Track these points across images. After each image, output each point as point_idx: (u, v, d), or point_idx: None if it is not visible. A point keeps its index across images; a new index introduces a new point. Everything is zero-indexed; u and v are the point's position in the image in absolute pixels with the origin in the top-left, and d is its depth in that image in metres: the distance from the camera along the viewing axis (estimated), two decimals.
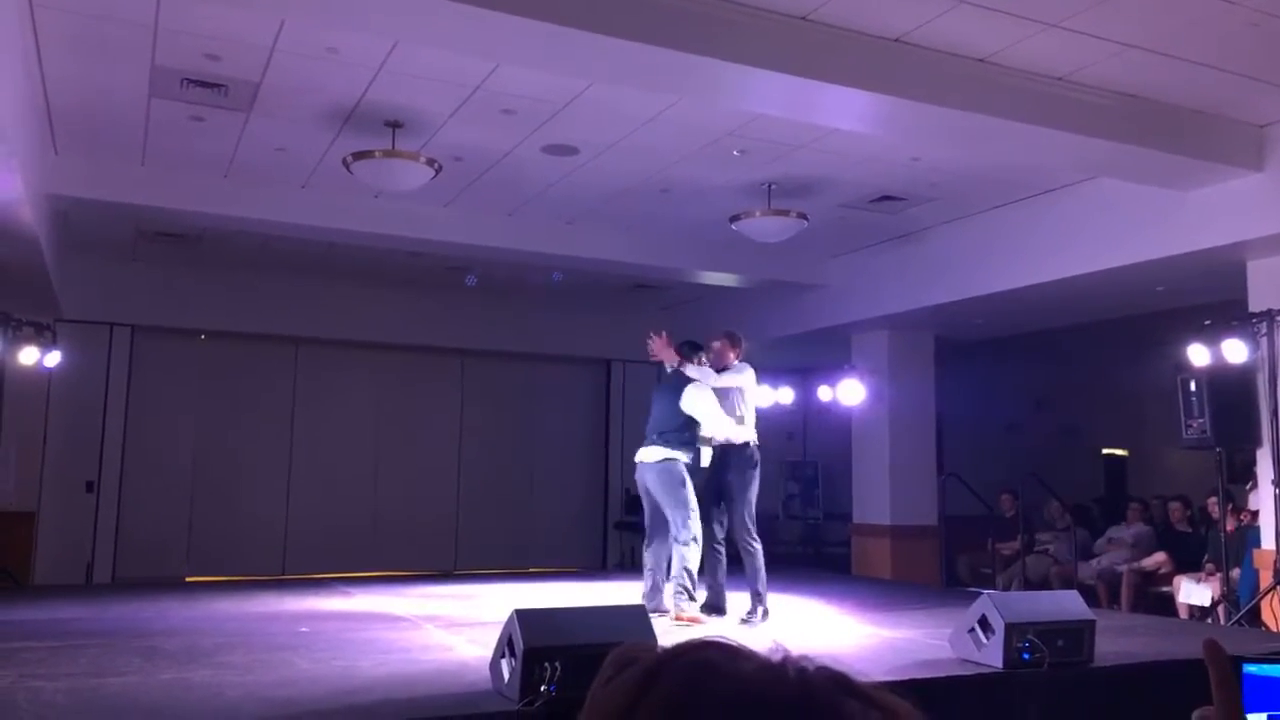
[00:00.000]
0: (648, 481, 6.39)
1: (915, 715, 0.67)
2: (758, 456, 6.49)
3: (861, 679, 0.68)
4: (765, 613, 6.26)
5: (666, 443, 6.33)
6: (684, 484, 6.26)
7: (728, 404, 6.43)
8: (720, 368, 6.59)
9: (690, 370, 6.46)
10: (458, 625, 6.06)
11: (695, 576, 6.16)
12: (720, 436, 6.43)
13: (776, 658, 0.69)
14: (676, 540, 6.16)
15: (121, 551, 10.25)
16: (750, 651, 0.70)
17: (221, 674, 4.45)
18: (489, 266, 10.15)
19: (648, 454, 6.41)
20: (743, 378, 6.56)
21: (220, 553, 10.61)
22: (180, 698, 4.02)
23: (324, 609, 6.88)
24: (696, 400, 6.32)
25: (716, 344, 6.69)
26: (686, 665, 0.69)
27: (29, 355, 9.00)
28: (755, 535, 6.40)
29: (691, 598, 6.10)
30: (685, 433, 6.35)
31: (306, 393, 11.52)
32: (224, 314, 10.77)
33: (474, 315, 11.72)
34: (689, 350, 6.60)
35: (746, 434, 6.47)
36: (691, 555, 6.12)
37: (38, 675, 4.31)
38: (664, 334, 6.61)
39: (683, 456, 6.33)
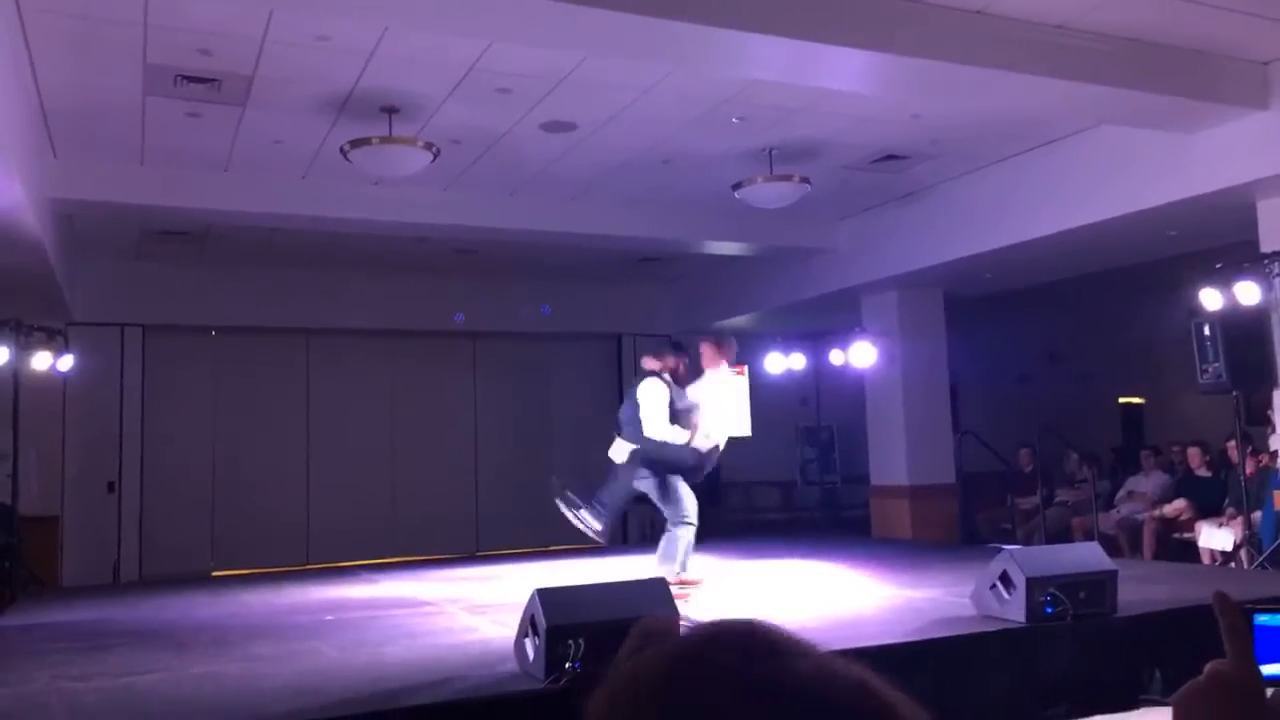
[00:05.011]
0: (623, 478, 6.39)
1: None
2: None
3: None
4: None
5: (630, 437, 6.29)
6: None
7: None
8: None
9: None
10: (482, 607, 6.11)
11: (690, 555, 6.14)
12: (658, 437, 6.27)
13: (825, 654, 0.66)
14: (673, 525, 6.15)
15: (147, 550, 10.36)
16: (795, 644, 0.66)
17: (252, 666, 4.50)
18: (494, 247, 10.13)
19: (617, 451, 6.40)
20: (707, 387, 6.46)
21: (244, 546, 10.69)
22: (212, 691, 4.07)
23: (349, 596, 6.93)
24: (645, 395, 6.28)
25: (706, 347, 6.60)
26: (733, 655, 0.65)
27: (42, 360, 9.05)
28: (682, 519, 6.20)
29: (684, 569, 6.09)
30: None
31: (320, 383, 11.57)
32: (233, 309, 10.81)
33: (484, 297, 11.71)
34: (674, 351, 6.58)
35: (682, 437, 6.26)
36: (684, 536, 6.10)
37: (69, 676, 4.36)
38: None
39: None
